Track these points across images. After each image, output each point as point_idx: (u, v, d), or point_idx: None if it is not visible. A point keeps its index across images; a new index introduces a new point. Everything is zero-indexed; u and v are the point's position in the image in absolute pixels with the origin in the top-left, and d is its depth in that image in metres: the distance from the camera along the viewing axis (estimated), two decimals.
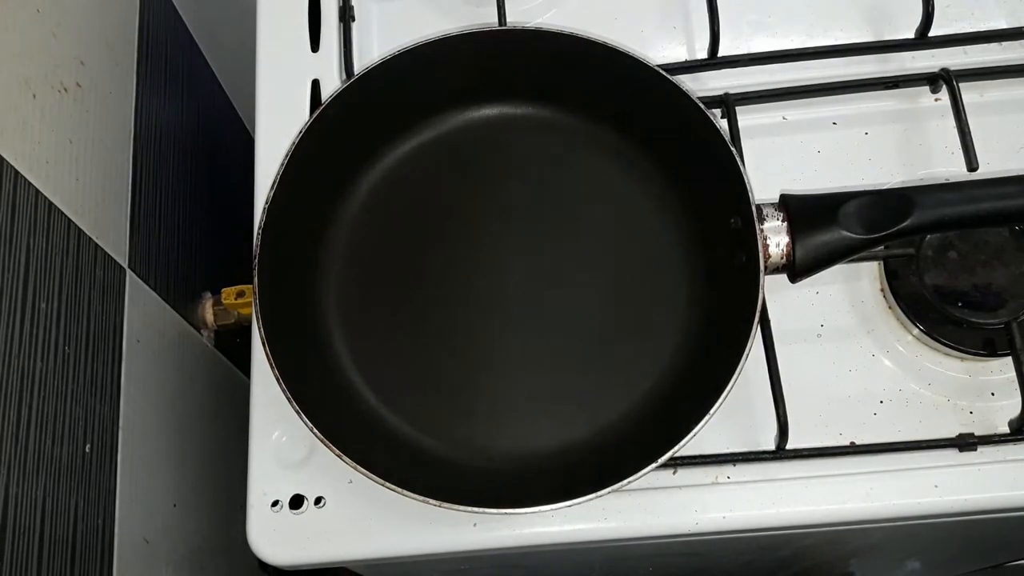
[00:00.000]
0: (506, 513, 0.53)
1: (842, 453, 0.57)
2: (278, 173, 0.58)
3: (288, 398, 0.53)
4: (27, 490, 0.52)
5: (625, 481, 0.50)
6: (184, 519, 0.76)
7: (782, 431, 0.56)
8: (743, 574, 0.84)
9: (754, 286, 0.54)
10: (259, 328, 0.54)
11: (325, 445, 0.52)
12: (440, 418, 0.59)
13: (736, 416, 0.58)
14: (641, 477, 0.51)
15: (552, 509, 0.51)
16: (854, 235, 0.53)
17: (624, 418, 0.58)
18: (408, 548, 0.57)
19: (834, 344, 0.61)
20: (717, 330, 0.58)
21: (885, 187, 0.57)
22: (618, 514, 0.57)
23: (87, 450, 0.58)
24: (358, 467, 0.51)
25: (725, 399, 0.51)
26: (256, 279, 0.56)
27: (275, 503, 0.58)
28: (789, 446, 0.57)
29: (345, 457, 0.52)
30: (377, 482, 0.51)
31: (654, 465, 0.51)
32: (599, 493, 0.50)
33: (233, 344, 0.85)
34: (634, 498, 0.57)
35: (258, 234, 0.57)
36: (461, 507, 0.51)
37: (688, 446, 0.51)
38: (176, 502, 0.74)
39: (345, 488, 0.57)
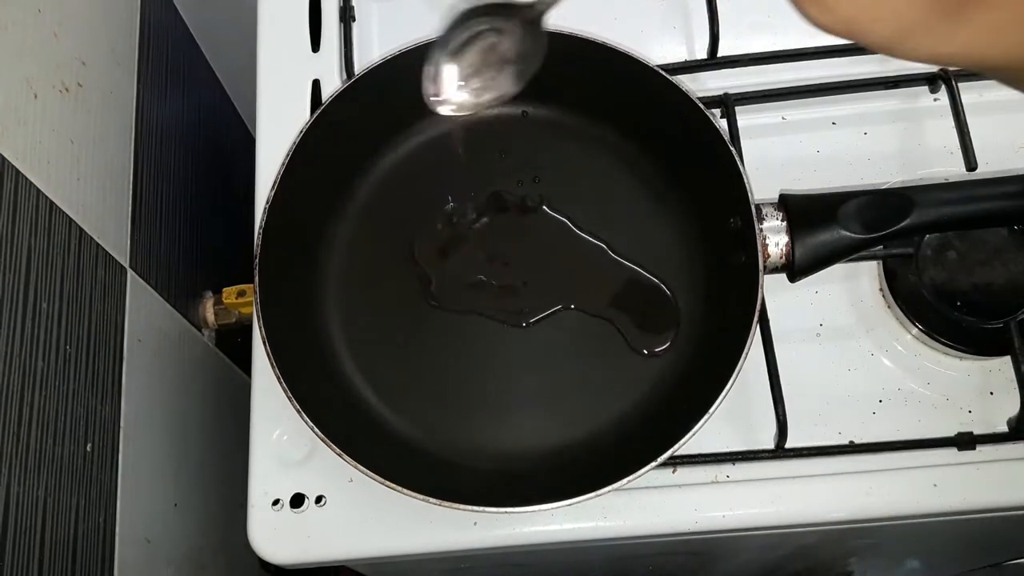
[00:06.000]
0: (506, 512, 0.54)
1: (841, 452, 0.57)
2: (279, 173, 0.58)
3: (289, 397, 0.53)
4: (28, 489, 0.52)
5: (625, 480, 0.51)
6: (185, 518, 0.76)
7: (781, 430, 0.56)
8: (742, 573, 0.84)
9: (753, 285, 0.54)
10: (260, 327, 0.55)
11: (326, 444, 0.52)
12: (440, 417, 0.59)
13: (735, 415, 0.58)
14: (640, 476, 0.51)
15: (552, 508, 0.51)
16: (853, 234, 0.53)
17: (624, 417, 0.58)
18: (408, 547, 0.57)
19: (833, 343, 0.61)
20: (716, 329, 0.58)
21: (884, 187, 0.57)
22: (618, 513, 0.57)
23: (88, 449, 0.59)
24: (359, 466, 0.51)
25: (724, 398, 0.51)
26: (257, 278, 0.56)
27: (276, 502, 0.58)
28: (788, 445, 0.57)
29: (346, 456, 0.52)
30: (378, 481, 0.51)
31: (654, 464, 0.51)
32: (599, 492, 0.50)
33: (234, 343, 0.85)
34: (634, 497, 0.57)
35: (259, 233, 0.57)
36: (461, 506, 0.51)
37: (687, 445, 0.51)
38: (177, 501, 0.74)
39: (346, 487, 0.58)
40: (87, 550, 0.58)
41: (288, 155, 0.58)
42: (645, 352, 0.59)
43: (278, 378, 0.53)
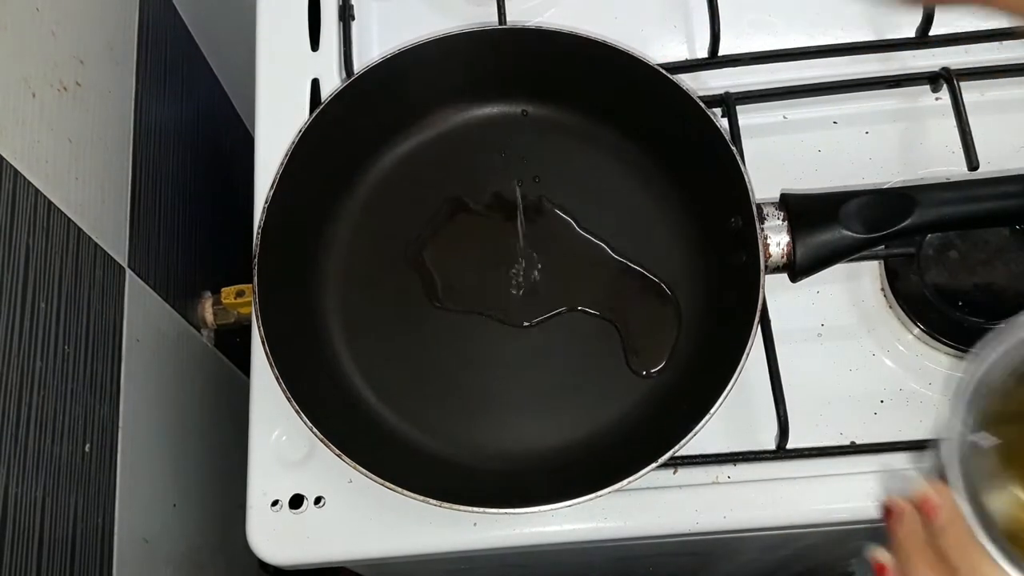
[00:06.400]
0: (506, 513, 0.53)
1: (843, 453, 0.57)
2: (278, 172, 0.58)
3: (288, 398, 0.53)
4: (27, 489, 0.52)
5: (625, 481, 0.50)
6: (184, 519, 0.76)
7: (782, 430, 0.56)
8: (743, 574, 0.84)
9: (755, 285, 0.54)
10: (259, 328, 0.54)
11: (325, 445, 0.52)
12: (440, 418, 0.59)
13: (736, 416, 0.58)
14: (641, 476, 0.51)
15: (552, 509, 0.51)
16: (855, 234, 0.53)
17: (624, 418, 0.58)
18: (408, 548, 0.57)
19: (834, 343, 0.60)
20: (717, 330, 0.58)
21: (886, 186, 0.57)
22: (618, 514, 0.57)
23: (87, 449, 0.58)
24: (358, 467, 0.51)
25: (725, 399, 0.51)
26: (256, 278, 0.56)
27: (275, 503, 0.58)
28: (789, 445, 0.56)
29: (345, 457, 0.51)
30: (377, 482, 0.51)
31: (654, 465, 0.51)
32: (599, 493, 0.50)
33: (233, 344, 0.85)
34: (634, 498, 0.56)
35: (258, 233, 0.57)
36: (461, 507, 0.51)
37: (688, 445, 0.51)
38: (176, 501, 0.74)
39: (345, 488, 0.57)
40: (85, 550, 0.58)
41: (287, 154, 0.58)
42: (643, 374, 0.58)
43: (277, 378, 0.53)
